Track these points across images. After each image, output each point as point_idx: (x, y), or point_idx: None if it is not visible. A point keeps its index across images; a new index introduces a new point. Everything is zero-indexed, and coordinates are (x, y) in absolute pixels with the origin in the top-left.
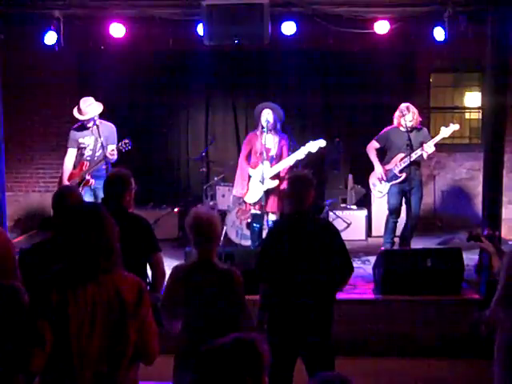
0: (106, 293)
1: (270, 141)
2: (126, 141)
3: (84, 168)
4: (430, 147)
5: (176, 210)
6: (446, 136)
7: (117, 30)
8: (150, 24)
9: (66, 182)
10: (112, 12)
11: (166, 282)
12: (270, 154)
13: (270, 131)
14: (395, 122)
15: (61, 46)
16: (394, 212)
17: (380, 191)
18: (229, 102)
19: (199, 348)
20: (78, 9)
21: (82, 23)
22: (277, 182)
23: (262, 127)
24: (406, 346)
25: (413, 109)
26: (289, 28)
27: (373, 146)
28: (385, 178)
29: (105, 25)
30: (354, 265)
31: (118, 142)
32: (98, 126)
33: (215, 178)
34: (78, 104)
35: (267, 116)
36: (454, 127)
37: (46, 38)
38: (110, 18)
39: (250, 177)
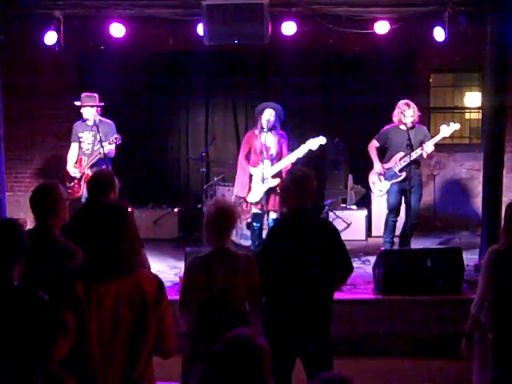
0: (128, 289)
1: (270, 139)
2: (116, 135)
3: (83, 163)
4: (429, 146)
5: (176, 210)
6: (447, 135)
7: (117, 30)
8: (150, 24)
9: (71, 174)
10: (112, 12)
11: (183, 276)
12: (270, 153)
13: (269, 130)
14: (395, 120)
15: (61, 46)
16: (393, 211)
17: (380, 190)
18: (229, 102)
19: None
20: (78, 9)
21: (82, 23)
22: (278, 180)
23: (262, 127)
24: (406, 346)
25: (412, 104)
26: (289, 28)
27: (373, 145)
28: (383, 173)
29: (105, 25)
30: (354, 265)
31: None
32: (98, 122)
33: (215, 178)
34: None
35: (269, 116)
36: (455, 126)
37: (45, 37)
38: (110, 18)
39: (251, 176)
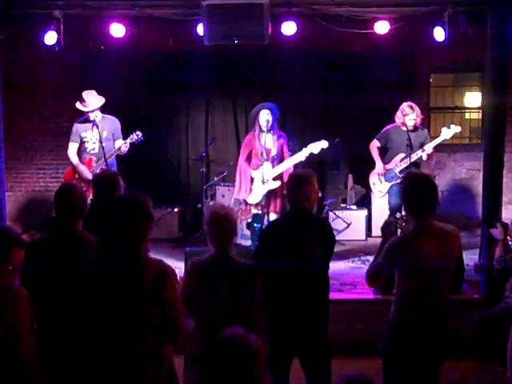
0: None
1: (270, 141)
2: (138, 133)
3: (93, 164)
4: (429, 148)
5: (176, 209)
6: (448, 138)
7: (117, 30)
8: (150, 24)
9: (83, 175)
10: (112, 12)
11: (183, 278)
12: (271, 155)
13: (268, 131)
14: (397, 120)
15: (61, 46)
16: (394, 212)
17: (380, 191)
18: (229, 101)
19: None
20: (78, 9)
21: (82, 23)
22: (279, 182)
23: (261, 128)
24: None
25: (416, 107)
26: (289, 28)
27: (375, 145)
28: (383, 174)
29: (105, 25)
30: (354, 265)
31: (128, 135)
32: (101, 120)
33: (215, 178)
34: (80, 97)
35: (267, 117)
36: (456, 129)
37: (46, 37)
38: (110, 18)
39: (252, 178)
